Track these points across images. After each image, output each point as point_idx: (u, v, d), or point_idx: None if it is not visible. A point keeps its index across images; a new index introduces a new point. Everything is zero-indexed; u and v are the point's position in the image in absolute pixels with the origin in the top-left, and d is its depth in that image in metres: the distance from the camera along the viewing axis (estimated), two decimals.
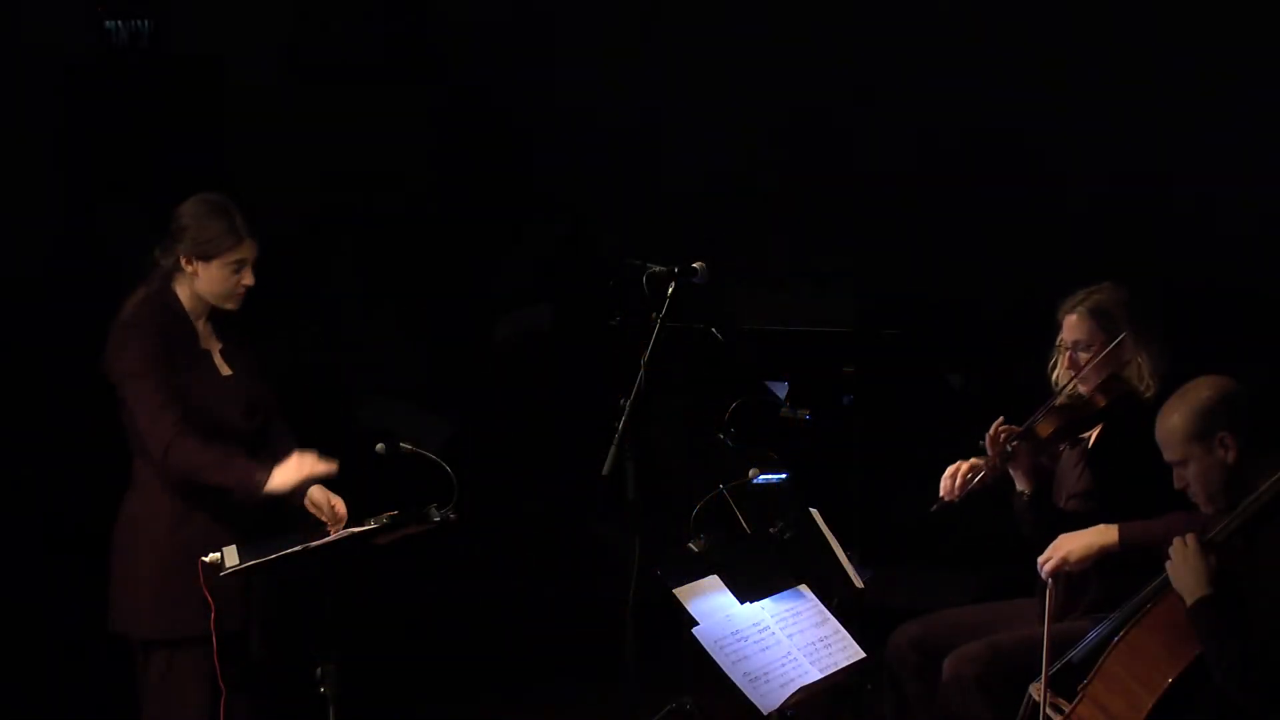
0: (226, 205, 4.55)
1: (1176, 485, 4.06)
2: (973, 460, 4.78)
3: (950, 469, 4.79)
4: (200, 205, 4.55)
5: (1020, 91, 7.80)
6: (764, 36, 8.19)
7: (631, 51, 8.36)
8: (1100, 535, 4.45)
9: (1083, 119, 7.75)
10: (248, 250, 4.53)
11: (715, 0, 8.32)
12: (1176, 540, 3.94)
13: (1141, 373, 4.73)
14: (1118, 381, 4.73)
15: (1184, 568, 3.91)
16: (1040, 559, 4.51)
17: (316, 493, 4.59)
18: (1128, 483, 4.59)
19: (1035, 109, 7.79)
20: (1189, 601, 3.88)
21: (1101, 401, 4.71)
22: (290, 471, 4.38)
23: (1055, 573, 4.48)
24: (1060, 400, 4.75)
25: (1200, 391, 4.03)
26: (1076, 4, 7.78)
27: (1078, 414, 4.73)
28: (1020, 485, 4.73)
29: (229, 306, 4.57)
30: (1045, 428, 4.71)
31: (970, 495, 4.79)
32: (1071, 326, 4.81)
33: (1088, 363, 4.73)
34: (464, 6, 8.38)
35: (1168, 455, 4.05)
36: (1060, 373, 4.88)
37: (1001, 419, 4.71)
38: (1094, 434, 4.79)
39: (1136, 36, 7.66)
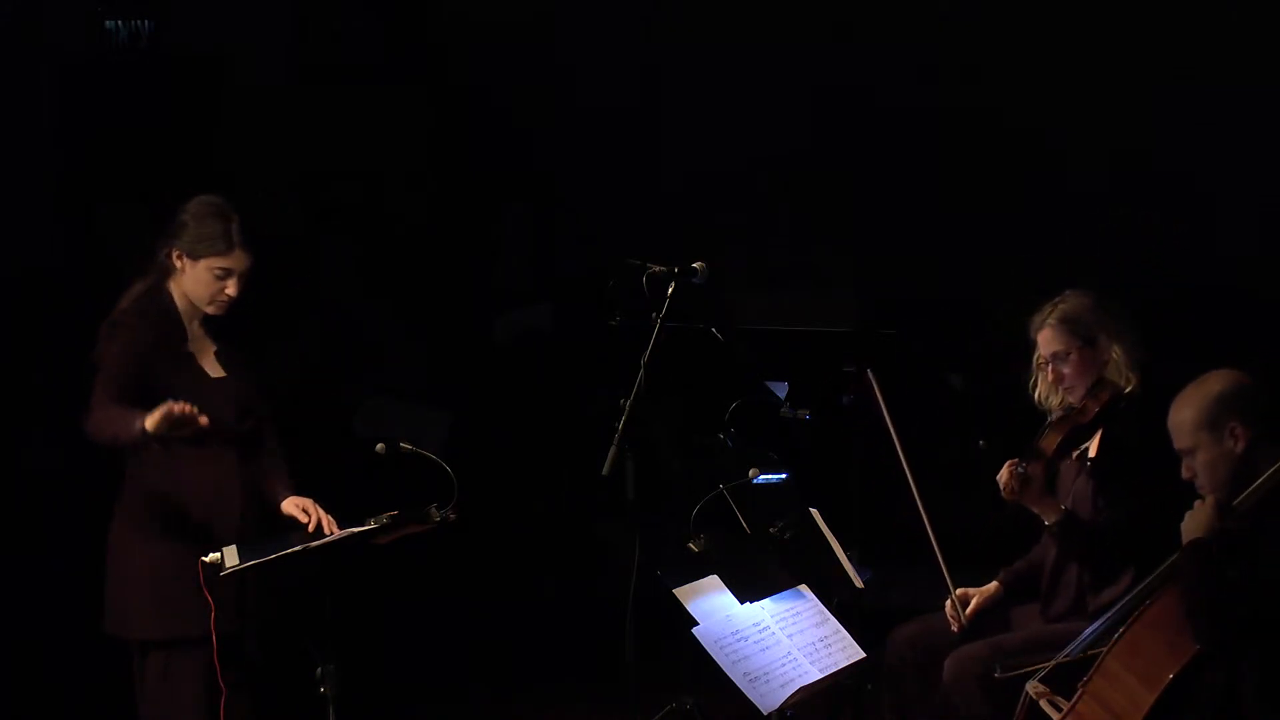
0: (228, 212, 4.55)
1: (1184, 475, 4.07)
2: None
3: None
4: (203, 205, 4.56)
5: (1020, 91, 7.79)
6: (764, 37, 8.19)
7: (631, 52, 8.36)
8: None
9: (1084, 118, 7.75)
10: (236, 260, 4.51)
11: (715, 2, 8.32)
12: (1197, 502, 3.98)
13: (1121, 368, 4.76)
14: (1104, 384, 4.75)
15: (1192, 520, 3.96)
16: None
17: (290, 507, 4.58)
18: (1137, 482, 4.60)
19: (1036, 108, 7.79)
20: (1185, 540, 3.91)
21: (1094, 408, 4.73)
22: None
23: None
24: (1057, 415, 4.78)
25: (1214, 382, 4.05)
26: (1085, 7, 7.78)
27: (1076, 424, 4.75)
28: (1048, 519, 4.72)
29: (209, 310, 4.57)
30: (1049, 443, 4.72)
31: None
32: (1047, 340, 4.81)
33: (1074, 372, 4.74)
34: (464, 6, 8.38)
35: (1177, 443, 4.06)
36: (1044, 389, 4.89)
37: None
38: (1094, 443, 4.79)
39: (1138, 38, 7.66)
